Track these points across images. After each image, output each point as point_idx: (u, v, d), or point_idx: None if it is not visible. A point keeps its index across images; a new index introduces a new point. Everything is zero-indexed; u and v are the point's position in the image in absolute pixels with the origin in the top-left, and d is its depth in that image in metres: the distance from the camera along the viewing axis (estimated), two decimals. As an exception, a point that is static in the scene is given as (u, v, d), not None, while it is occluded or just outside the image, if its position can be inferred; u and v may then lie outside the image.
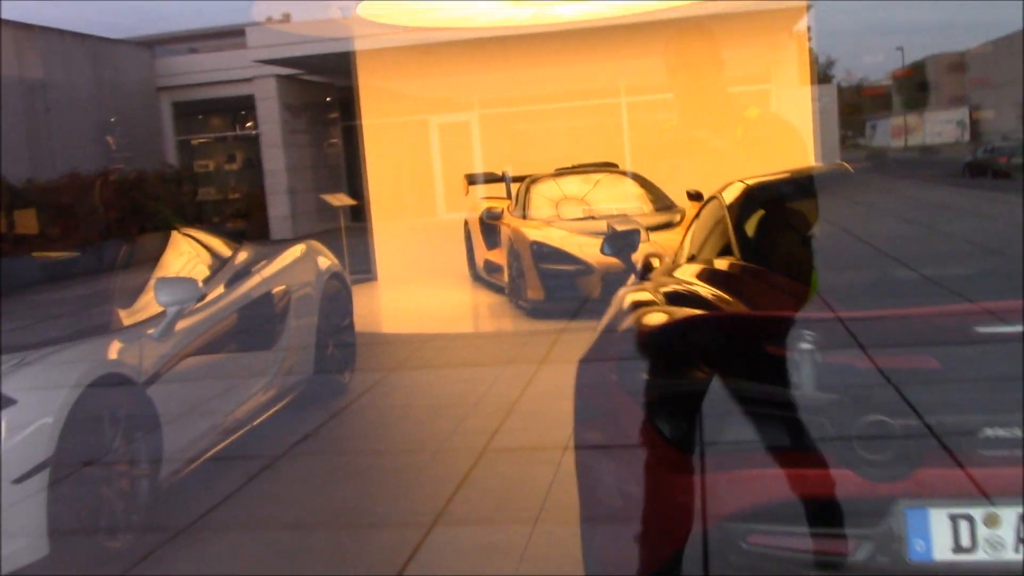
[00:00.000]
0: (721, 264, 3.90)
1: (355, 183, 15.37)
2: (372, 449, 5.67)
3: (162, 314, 4.93)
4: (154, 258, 5.89)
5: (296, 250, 6.80)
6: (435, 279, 12.48)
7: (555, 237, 9.46)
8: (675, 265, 4.71)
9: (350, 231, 13.67)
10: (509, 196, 12.15)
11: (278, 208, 19.69)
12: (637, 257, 5.88)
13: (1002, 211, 5.40)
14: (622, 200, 10.52)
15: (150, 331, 4.81)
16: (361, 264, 12.39)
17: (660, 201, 10.48)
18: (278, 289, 6.15)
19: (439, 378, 7.23)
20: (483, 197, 12.31)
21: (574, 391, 3.23)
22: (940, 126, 35.77)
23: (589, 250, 9.18)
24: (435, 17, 11.86)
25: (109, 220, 14.60)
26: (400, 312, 10.09)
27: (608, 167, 11.62)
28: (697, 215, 5.13)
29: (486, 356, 7.89)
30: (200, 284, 5.11)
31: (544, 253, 9.30)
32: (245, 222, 17.66)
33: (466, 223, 12.31)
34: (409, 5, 11.00)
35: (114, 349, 4.52)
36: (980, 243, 4.21)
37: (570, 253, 9.19)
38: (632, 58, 13.28)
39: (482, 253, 11.55)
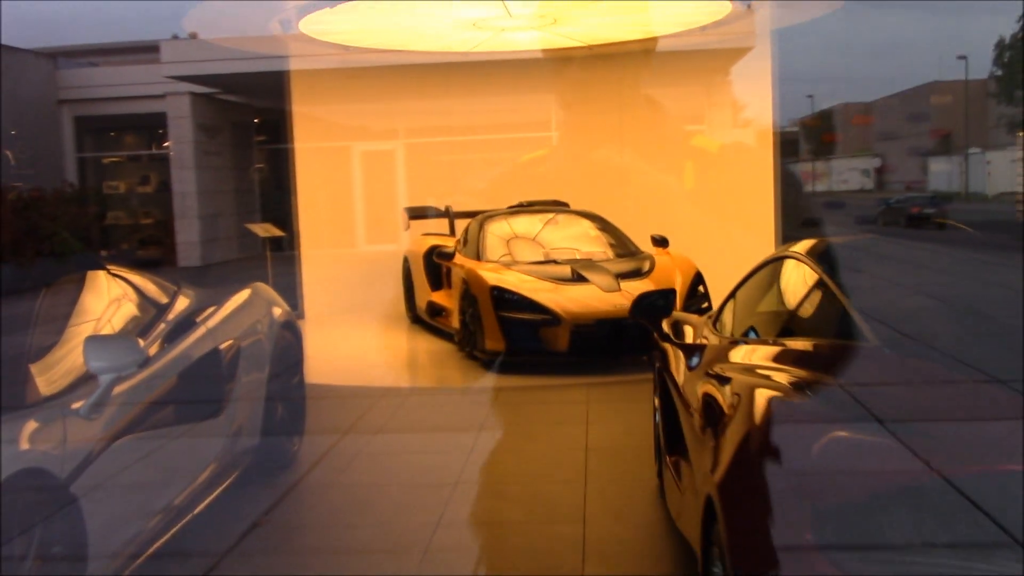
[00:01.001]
0: (849, 347, 3.03)
1: (274, 209, 14.23)
2: (341, 546, 4.61)
3: (89, 380, 3.83)
4: (63, 294, 4.76)
5: (243, 295, 5.72)
6: (369, 319, 11.46)
7: (517, 282, 8.52)
8: (736, 339, 3.83)
9: (266, 261, 12.51)
10: (452, 233, 11.24)
11: (186, 234, 18.30)
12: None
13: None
14: (582, 242, 9.65)
15: (76, 405, 3.70)
16: (287, 300, 11.24)
17: (623, 245, 9.65)
18: (226, 344, 5.06)
19: (403, 446, 6.19)
20: (423, 233, 11.35)
21: (725, 526, 2.29)
22: (847, 174, 36.19)
23: (553, 296, 8.31)
24: (384, 38, 10.89)
25: (3, 242, 13.14)
26: (338, 358, 8.99)
27: (559, 205, 10.80)
28: (750, 277, 4.26)
29: (453, 418, 6.89)
30: (141, 344, 4.01)
31: (505, 300, 8.35)
32: (159, 249, 16.24)
33: (406, 260, 11.30)
34: (361, 22, 9.99)
35: (30, 434, 3.41)
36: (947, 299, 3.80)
37: (535, 301, 8.27)
38: (568, 91, 12.53)
39: (425, 294, 10.56)
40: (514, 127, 12.47)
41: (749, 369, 3.16)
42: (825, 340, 3.20)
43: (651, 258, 9.08)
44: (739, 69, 12.05)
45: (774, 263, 4.05)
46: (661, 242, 9.65)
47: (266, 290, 6.11)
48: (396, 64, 12.05)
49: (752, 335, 4.05)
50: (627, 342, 8.14)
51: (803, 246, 3.84)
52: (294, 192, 12.44)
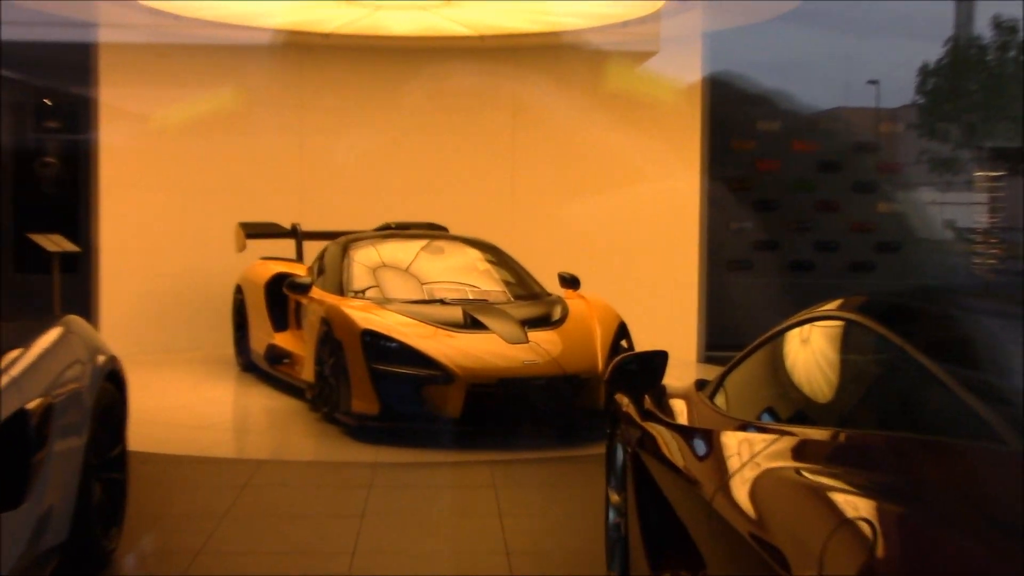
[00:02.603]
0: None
1: (65, 217, 13.17)
2: None
3: None
4: None
5: (53, 333, 4.99)
6: (188, 364, 10.78)
7: (395, 326, 7.97)
8: (783, 428, 3.42)
9: (53, 284, 11.55)
10: (299, 257, 10.67)
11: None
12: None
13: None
14: (472, 278, 9.22)
15: None
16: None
17: (523, 284, 9.27)
18: (35, 403, 4.34)
19: (259, 542, 5.53)
20: (263, 257, 10.72)
21: None
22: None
23: (441, 347, 7.80)
24: (229, 8, 10.23)
25: None
26: (156, 417, 8.20)
27: (437, 230, 10.39)
28: (766, 344, 3.88)
29: (321, 502, 6.27)
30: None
31: (381, 348, 7.78)
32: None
33: (239, 289, 10.63)
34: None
35: None
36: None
37: (420, 351, 7.73)
38: (452, 88, 12.13)
39: (264, 335, 9.90)
40: (384, 129, 11.95)
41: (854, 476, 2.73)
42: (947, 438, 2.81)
43: (562, 302, 8.73)
44: (660, 76, 11.90)
45: (806, 326, 3.67)
46: (571, 282, 9.35)
47: (83, 326, 5.40)
48: (238, 43, 11.41)
49: (771, 418, 3.67)
50: (537, 409, 7.76)
51: (857, 303, 3.48)
52: (95, 197, 11.56)
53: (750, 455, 3.27)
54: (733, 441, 3.47)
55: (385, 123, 12.00)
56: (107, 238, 11.44)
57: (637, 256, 11.61)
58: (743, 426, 3.56)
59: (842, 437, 3.05)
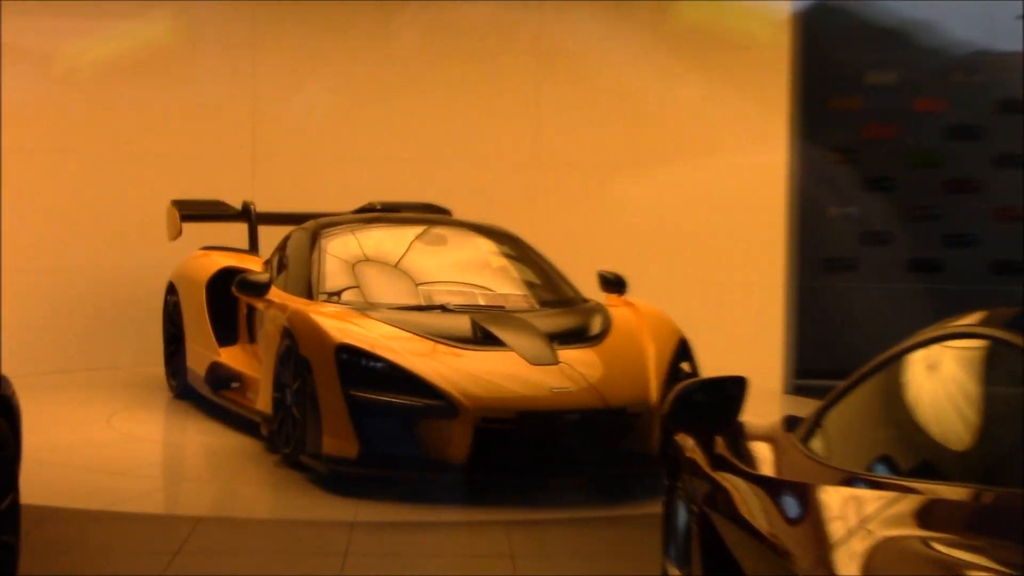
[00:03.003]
0: None
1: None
2: None
3: None
4: None
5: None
6: (106, 388, 10.96)
7: (380, 340, 8.06)
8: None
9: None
10: (253, 247, 10.76)
11: None
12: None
13: None
14: (485, 277, 9.33)
15: None
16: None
17: (551, 285, 9.37)
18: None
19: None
20: (204, 247, 10.82)
21: None
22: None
23: (442, 368, 7.90)
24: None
25: None
26: (59, 458, 8.29)
27: (436, 213, 10.51)
28: (880, 368, 3.90)
29: (281, 572, 6.35)
30: None
31: (362, 370, 7.89)
32: None
33: (172, 289, 10.77)
34: None
35: None
36: None
37: (414, 374, 7.81)
38: (460, 39, 12.23)
39: (205, 349, 10.05)
40: (365, 78, 12.04)
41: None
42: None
43: (603, 311, 8.83)
44: (734, 7, 11.97)
45: (935, 347, 3.70)
46: (615, 284, 9.42)
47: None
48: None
49: (887, 470, 3.71)
50: (569, 452, 7.85)
51: (1005, 316, 3.51)
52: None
53: (859, 519, 3.30)
54: (836, 499, 3.52)
55: (367, 71, 12.12)
56: (9, 227, 11.38)
57: (702, 251, 11.65)
58: (849, 479, 3.60)
59: (986, 497, 3.06)
